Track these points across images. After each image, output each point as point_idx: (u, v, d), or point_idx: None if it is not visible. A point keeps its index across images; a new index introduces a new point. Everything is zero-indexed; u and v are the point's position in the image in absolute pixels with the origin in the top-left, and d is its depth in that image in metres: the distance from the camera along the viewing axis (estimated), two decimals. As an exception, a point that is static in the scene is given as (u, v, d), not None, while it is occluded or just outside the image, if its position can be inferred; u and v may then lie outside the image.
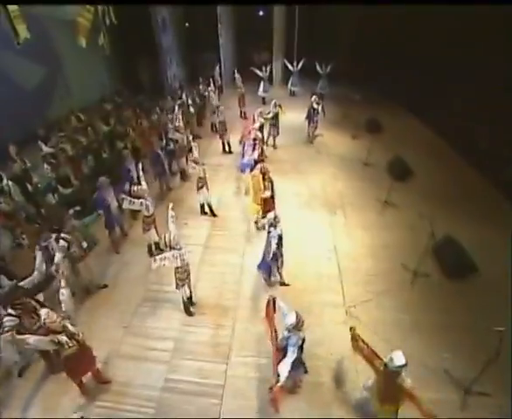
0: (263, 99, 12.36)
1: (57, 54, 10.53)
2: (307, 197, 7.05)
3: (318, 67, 11.87)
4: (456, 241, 5.36)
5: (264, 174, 5.69)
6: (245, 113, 11.15)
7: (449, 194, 6.85)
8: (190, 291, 4.62)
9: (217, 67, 12.52)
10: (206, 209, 6.64)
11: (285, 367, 3.02)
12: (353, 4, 11.34)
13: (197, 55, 14.32)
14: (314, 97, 8.51)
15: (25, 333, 3.24)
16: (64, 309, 3.47)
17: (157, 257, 3.98)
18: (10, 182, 5.83)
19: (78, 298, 4.82)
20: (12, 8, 3.24)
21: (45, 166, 6.53)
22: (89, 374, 3.74)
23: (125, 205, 5.05)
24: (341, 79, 12.65)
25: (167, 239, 4.12)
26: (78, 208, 5.32)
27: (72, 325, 3.36)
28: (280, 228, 4.56)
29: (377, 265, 5.38)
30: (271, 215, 4.61)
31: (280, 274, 5.00)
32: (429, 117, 9.66)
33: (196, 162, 6.28)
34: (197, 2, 11.71)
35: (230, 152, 8.91)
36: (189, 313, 4.64)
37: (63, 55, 10.63)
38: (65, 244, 4.24)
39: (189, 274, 4.43)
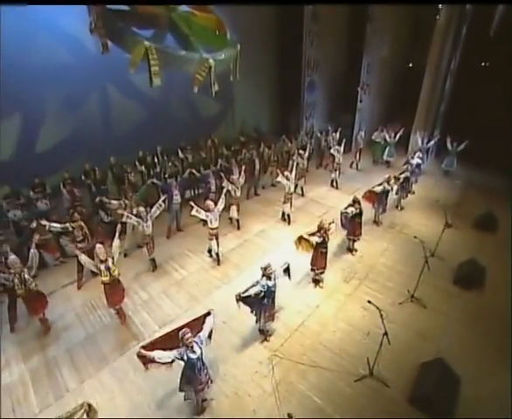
0: (387, 162, 12.59)
1: (231, 96, 14.47)
2: (330, 255, 6.42)
3: (449, 144, 10.56)
4: (452, 374, 4.06)
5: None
6: (357, 165, 12.60)
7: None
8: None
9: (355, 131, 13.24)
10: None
11: None
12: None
13: (336, 114, 15.60)
14: (388, 176, 7.80)
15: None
16: (112, 250, 5.05)
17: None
18: (143, 167, 9.27)
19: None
20: (154, 69, 5.22)
21: (169, 163, 9.73)
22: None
23: (192, 212, 6.13)
24: (474, 161, 10.76)
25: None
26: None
27: (112, 263, 4.86)
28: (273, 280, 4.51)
29: (340, 344, 4.82)
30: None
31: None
32: None
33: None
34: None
35: (337, 187, 10.66)
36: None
37: (235, 97, 14.41)
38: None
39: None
